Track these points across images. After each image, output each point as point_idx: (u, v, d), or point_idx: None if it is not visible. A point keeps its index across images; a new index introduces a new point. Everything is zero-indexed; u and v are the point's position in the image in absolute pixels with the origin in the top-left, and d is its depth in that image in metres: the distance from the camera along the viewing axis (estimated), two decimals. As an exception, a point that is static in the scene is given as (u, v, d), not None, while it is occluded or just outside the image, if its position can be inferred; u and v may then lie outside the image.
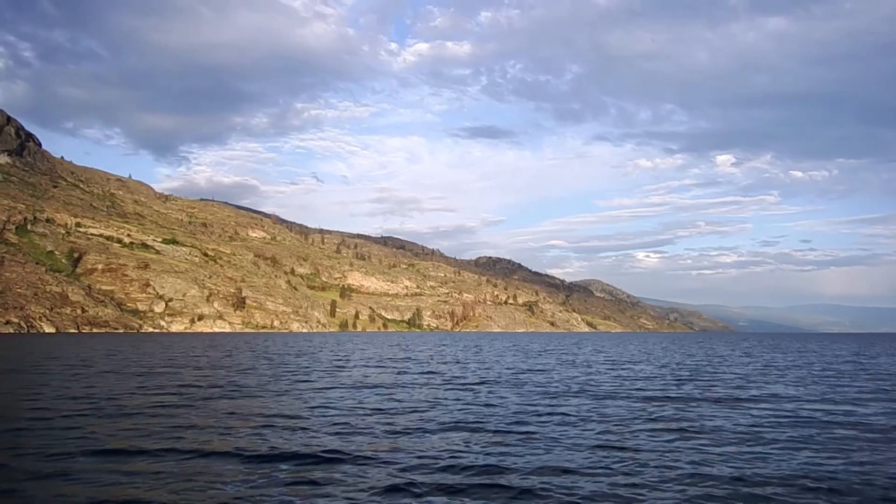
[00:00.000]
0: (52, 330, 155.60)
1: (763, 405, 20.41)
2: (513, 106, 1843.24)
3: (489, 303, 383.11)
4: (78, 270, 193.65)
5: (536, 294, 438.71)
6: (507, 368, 37.20)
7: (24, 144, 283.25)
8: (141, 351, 58.18)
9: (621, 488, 10.35)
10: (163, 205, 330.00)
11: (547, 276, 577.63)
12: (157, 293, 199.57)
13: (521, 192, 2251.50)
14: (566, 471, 11.43)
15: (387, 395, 22.48)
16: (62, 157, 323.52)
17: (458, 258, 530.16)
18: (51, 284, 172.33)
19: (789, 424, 16.46)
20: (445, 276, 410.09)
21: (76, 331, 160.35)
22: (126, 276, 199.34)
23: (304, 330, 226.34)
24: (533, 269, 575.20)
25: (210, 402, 20.45)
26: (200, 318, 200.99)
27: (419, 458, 12.30)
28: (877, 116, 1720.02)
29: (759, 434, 15.02)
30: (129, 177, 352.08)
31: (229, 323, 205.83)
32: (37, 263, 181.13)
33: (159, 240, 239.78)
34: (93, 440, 13.56)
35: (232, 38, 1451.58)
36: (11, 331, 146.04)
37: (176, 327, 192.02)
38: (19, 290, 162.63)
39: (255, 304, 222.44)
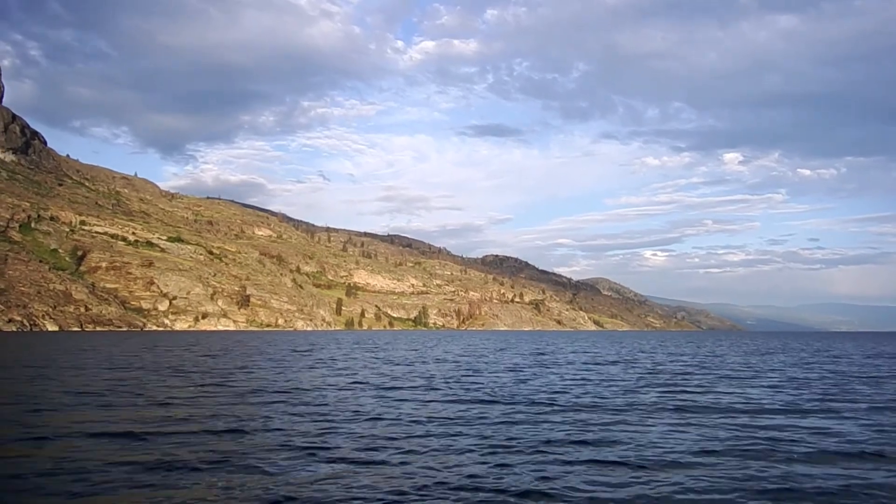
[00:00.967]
0: (55, 328, 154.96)
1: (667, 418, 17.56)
2: (520, 104, 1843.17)
3: (496, 301, 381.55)
4: (81, 268, 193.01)
5: (543, 292, 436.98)
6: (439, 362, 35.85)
7: (30, 142, 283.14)
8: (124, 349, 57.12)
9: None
10: (168, 203, 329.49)
11: (554, 274, 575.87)
12: (161, 291, 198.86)
13: (528, 191, 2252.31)
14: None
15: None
16: (68, 156, 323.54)
17: (464, 256, 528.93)
18: (54, 282, 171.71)
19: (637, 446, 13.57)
20: (452, 274, 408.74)
21: (79, 329, 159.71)
22: (130, 273, 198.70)
23: (309, 328, 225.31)
24: (540, 268, 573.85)
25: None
26: (204, 316, 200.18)
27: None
28: (887, 116, 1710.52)
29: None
30: (135, 175, 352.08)
31: (233, 321, 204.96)
32: (40, 261, 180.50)
33: (164, 238, 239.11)
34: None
35: (239, 37, 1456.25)
36: (14, 329, 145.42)
37: (180, 325, 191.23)
38: (22, 289, 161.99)
39: (259, 302, 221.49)
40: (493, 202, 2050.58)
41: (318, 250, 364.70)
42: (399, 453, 12.38)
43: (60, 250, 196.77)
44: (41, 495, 9.55)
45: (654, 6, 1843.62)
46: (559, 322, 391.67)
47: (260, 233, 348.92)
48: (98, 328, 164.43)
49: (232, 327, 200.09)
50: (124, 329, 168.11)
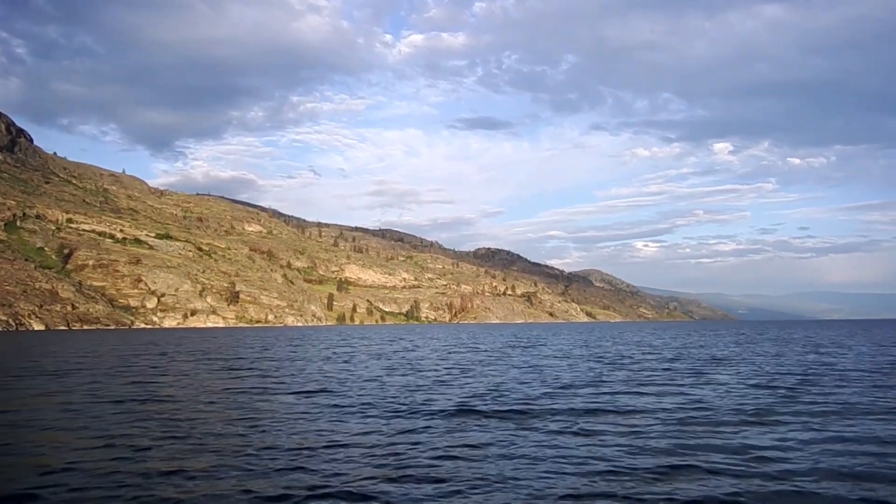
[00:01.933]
0: (42, 327, 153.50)
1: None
2: (509, 97, 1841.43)
3: (487, 294, 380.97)
4: (68, 267, 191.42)
5: (535, 285, 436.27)
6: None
7: (16, 140, 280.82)
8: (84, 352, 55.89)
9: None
10: (157, 200, 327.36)
11: (546, 266, 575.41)
12: (150, 289, 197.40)
13: (519, 184, 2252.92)
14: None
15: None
16: (55, 153, 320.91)
17: (456, 250, 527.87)
18: (40, 281, 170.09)
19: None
20: (444, 267, 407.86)
21: (66, 328, 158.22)
22: (118, 271, 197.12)
23: (299, 324, 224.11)
24: (532, 260, 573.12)
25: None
26: (193, 313, 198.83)
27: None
28: (875, 104, 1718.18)
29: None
30: (123, 172, 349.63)
31: (223, 318, 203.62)
32: (26, 260, 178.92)
33: (152, 235, 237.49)
34: None
35: (227, 32, 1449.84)
36: (0, 328, 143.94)
37: (168, 323, 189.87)
38: (8, 288, 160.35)
39: (249, 298, 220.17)
40: (485, 195, 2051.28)
41: (309, 246, 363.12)
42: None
43: (46, 249, 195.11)
44: None
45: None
46: (551, 314, 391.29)
47: (250, 229, 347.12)
48: (85, 327, 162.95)
49: (221, 324, 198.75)
50: (112, 327, 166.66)
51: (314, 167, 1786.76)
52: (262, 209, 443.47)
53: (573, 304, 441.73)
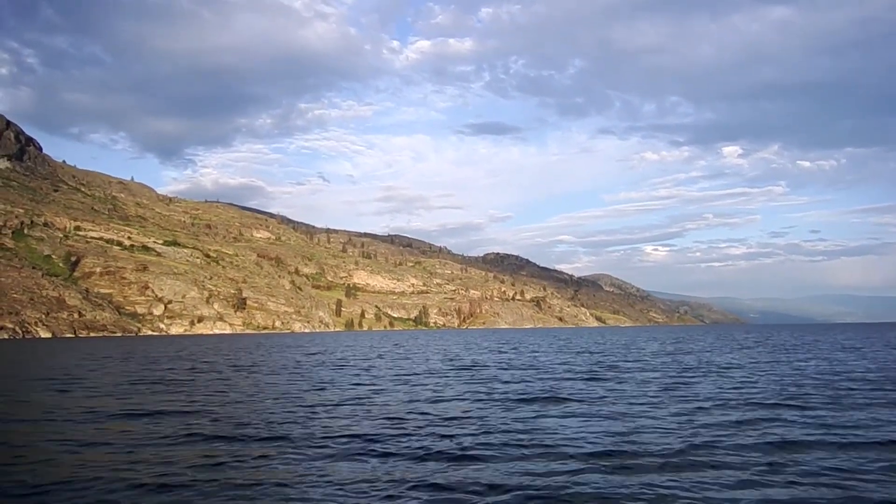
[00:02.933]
0: (48, 335, 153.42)
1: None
2: (516, 102, 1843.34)
3: (496, 299, 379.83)
4: (76, 274, 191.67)
5: (544, 289, 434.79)
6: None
7: (25, 149, 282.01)
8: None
9: None
10: (166, 207, 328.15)
11: (555, 271, 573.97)
12: (157, 295, 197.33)
13: (527, 188, 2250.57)
14: None
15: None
16: (63, 161, 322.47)
17: (465, 255, 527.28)
18: (47, 289, 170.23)
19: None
20: (452, 273, 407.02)
21: (73, 335, 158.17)
22: (125, 278, 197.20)
23: (307, 330, 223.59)
24: (541, 265, 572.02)
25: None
26: (200, 319, 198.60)
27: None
28: (886, 106, 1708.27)
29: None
30: (132, 179, 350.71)
31: (230, 324, 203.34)
32: (33, 268, 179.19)
33: (160, 242, 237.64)
34: None
35: (234, 40, 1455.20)
36: (6, 336, 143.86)
37: (175, 330, 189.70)
38: (15, 296, 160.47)
39: (256, 304, 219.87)
40: (493, 200, 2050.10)
41: (317, 252, 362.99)
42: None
43: (54, 256, 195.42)
44: None
45: (646, 1, 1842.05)
46: (561, 319, 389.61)
47: (258, 235, 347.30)
48: (92, 334, 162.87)
49: (228, 331, 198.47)
50: (118, 335, 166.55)
51: (323, 173, 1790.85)
52: (271, 216, 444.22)
53: (583, 308, 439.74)
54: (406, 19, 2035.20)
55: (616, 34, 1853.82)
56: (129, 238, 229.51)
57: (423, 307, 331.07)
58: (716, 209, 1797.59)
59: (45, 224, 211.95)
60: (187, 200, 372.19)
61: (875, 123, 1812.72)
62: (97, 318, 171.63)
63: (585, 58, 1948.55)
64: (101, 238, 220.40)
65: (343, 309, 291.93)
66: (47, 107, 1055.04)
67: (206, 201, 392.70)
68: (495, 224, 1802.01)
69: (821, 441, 12.65)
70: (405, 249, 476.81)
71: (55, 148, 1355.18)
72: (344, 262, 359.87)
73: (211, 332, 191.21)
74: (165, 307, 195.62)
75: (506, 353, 52.26)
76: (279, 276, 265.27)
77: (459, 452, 12.00)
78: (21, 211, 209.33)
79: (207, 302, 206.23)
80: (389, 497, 9.32)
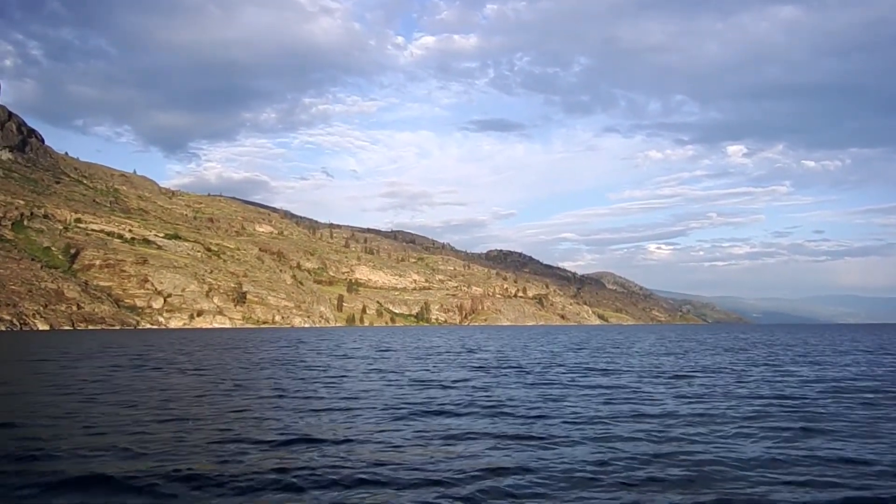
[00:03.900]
0: (46, 327, 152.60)
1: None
2: (521, 99, 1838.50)
3: (498, 296, 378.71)
4: (75, 266, 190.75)
5: (547, 287, 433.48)
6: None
7: (27, 140, 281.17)
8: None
9: None
10: (168, 200, 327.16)
11: (558, 268, 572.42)
12: (156, 289, 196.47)
13: (531, 186, 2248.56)
14: None
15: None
16: (66, 153, 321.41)
17: (468, 252, 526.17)
18: (46, 281, 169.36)
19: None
20: (455, 269, 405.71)
21: (71, 328, 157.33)
22: (124, 271, 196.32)
23: (307, 325, 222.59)
24: (544, 262, 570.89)
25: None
26: (200, 313, 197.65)
27: None
28: (891, 106, 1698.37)
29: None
30: (134, 172, 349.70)
31: (229, 318, 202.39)
32: (32, 259, 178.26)
33: (161, 235, 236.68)
34: None
35: (239, 34, 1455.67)
36: (3, 328, 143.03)
37: (174, 323, 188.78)
38: (13, 287, 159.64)
39: (256, 299, 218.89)
40: (497, 197, 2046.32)
41: (319, 247, 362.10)
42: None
43: (53, 248, 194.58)
44: None
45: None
46: (563, 317, 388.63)
47: (261, 229, 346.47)
48: (90, 327, 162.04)
49: (227, 325, 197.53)
50: (117, 328, 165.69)
51: (327, 169, 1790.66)
52: (275, 210, 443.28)
53: (585, 306, 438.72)
54: (411, 15, 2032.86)
55: (622, 32, 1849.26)
56: (129, 231, 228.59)
57: (425, 303, 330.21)
58: (720, 208, 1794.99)
59: (46, 216, 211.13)
60: (190, 194, 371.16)
61: (880, 124, 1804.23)
62: (96, 310, 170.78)
63: (591, 56, 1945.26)
64: (101, 231, 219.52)
65: (344, 304, 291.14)
66: (52, 99, 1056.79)
67: (209, 195, 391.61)
68: (499, 221, 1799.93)
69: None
70: (408, 245, 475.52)
71: (60, 140, 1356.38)
72: (346, 257, 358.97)
73: (210, 326, 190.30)
74: (165, 300, 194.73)
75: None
76: (280, 271, 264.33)
77: None
78: (21, 202, 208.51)
79: (207, 296, 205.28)
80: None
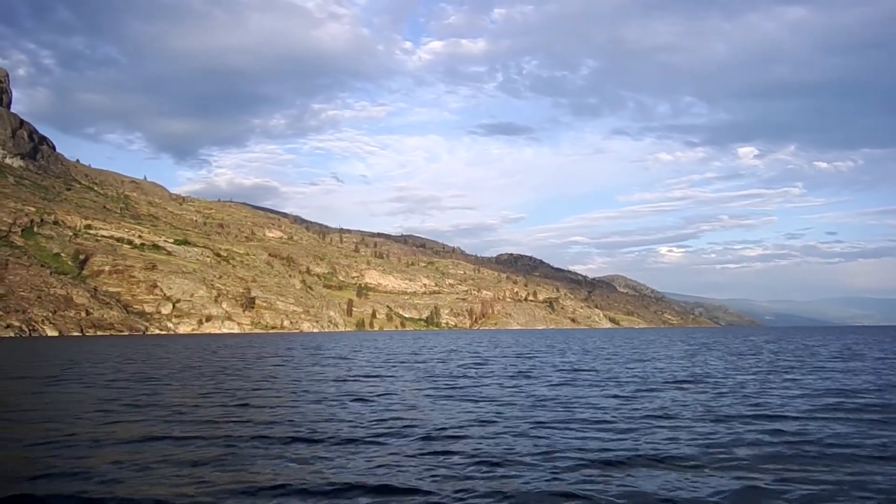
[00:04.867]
0: (55, 333, 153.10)
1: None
2: (529, 102, 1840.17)
3: (509, 300, 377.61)
4: (84, 272, 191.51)
5: (557, 290, 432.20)
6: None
7: (38, 148, 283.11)
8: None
9: None
10: (178, 206, 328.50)
11: (569, 272, 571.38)
12: (165, 294, 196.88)
13: (540, 189, 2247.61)
14: None
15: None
16: (77, 161, 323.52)
17: (478, 256, 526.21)
18: (55, 287, 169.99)
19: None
20: (465, 273, 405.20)
21: (80, 334, 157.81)
22: (133, 277, 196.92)
23: (316, 330, 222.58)
24: (555, 266, 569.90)
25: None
26: (208, 319, 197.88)
27: None
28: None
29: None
30: (145, 178, 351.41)
31: (238, 324, 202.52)
32: (42, 266, 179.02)
33: (171, 241, 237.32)
34: None
35: (247, 41, 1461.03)
36: (12, 335, 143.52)
37: (183, 329, 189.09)
38: (22, 293, 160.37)
39: (264, 304, 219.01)
40: (506, 201, 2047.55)
41: (329, 251, 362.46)
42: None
43: (63, 254, 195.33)
44: None
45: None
46: (573, 320, 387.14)
47: (270, 235, 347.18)
48: (99, 332, 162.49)
49: (236, 330, 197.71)
50: (126, 333, 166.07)
51: (336, 174, 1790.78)
52: (285, 216, 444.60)
53: (596, 310, 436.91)
54: (419, 20, 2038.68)
55: (629, 33, 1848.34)
56: (139, 237, 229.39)
57: (435, 307, 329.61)
58: (731, 210, 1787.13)
59: (56, 222, 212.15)
60: (200, 200, 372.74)
61: (893, 123, 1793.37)
62: (104, 316, 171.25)
63: (598, 58, 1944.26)
64: (111, 237, 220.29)
65: (354, 309, 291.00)
66: (64, 107, 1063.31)
67: (219, 201, 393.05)
68: (508, 225, 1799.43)
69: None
70: (418, 249, 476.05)
71: (73, 148, 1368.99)
72: (356, 261, 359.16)
73: (219, 332, 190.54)
74: (174, 306, 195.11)
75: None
76: (290, 276, 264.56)
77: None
78: (32, 209, 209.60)
79: (216, 301, 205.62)
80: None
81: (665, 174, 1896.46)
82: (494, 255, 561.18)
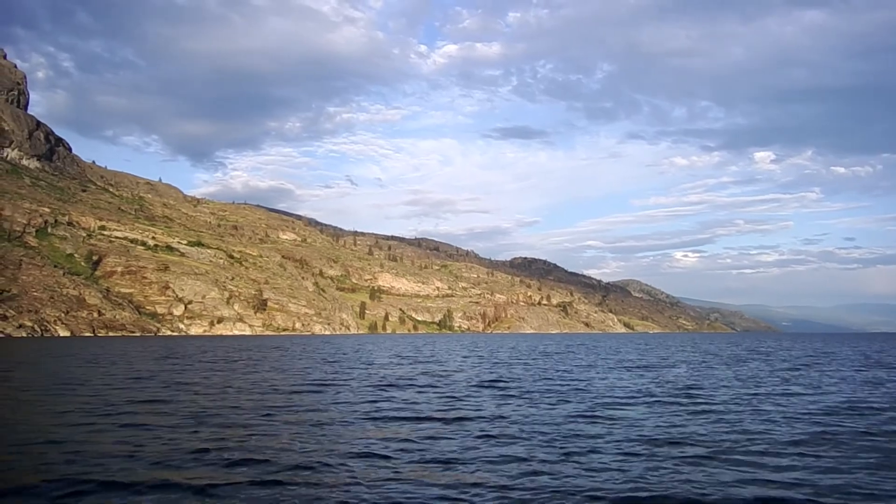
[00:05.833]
0: (67, 333, 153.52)
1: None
2: (544, 106, 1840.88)
3: (522, 304, 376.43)
4: (97, 273, 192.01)
5: (571, 294, 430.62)
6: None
7: (54, 149, 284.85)
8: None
9: None
10: (192, 208, 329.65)
11: (583, 276, 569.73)
12: (177, 295, 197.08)
13: (555, 193, 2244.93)
14: None
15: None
16: (93, 162, 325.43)
17: (492, 259, 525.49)
18: (68, 287, 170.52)
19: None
20: (478, 277, 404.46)
21: (91, 334, 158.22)
22: (146, 278, 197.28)
23: (327, 332, 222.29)
24: (569, 270, 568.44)
25: None
26: (220, 320, 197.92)
27: None
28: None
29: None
30: (160, 180, 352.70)
31: (249, 325, 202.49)
32: (55, 266, 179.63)
33: (184, 242, 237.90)
34: None
35: (263, 44, 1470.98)
36: (24, 334, 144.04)
37: (195, 330, 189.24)
38: (35, 294, 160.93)
39: (276, 306, 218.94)
40: (520, 204, 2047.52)
41: (342, 254, 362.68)
42: None
43: (76, 255, 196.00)
44: None
45: (674, 3, 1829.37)
46: (587, 324, 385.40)
47: (284, 237, 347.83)
48: (111, 333, 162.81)
49: (248, 332, 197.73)
50: (137, 334, 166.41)
51: (351, 177, 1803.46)
52: (299, 218, 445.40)
53: (610, 314, 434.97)
54: (433, 24, 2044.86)
55: (644, 37, 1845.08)
56: (153, 238, 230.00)
57: (448, 311, 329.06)
58: (747, 215, 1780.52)
59: (70, 223, 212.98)
60: (214, 202, 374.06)
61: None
62: (116, 317, 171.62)
63: (613, 61, 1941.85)
64: (125, 238, 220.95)
65: (367, 311, 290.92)
66: (82, 110, 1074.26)
67: (234, 203, 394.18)
68: (523, 228, 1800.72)
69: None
70: (432, 253, 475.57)
71: (91, 150, 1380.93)
72: (369, 264, 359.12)
73: (231, 333, 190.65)
74: (185, 307, 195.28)
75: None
76: (302, 278, 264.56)
77: None
78: (47, 210, 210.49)
79: (228, 303, 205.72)
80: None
81: (681, 178, 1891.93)
82: (508, 259, 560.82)
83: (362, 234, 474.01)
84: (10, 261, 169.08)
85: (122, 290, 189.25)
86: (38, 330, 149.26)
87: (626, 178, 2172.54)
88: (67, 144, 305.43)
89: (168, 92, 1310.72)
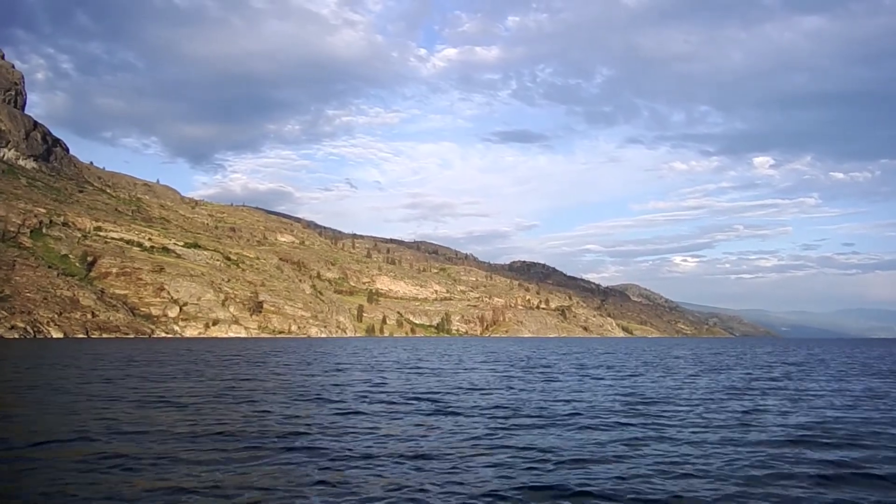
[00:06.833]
0: (60, 335, 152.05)
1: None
2: (544, 110, 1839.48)
3: (520, 307, 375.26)
4: (92, 274, 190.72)
5: (570, 298, 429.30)
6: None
7: (51, 150, 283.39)
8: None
9: None
10: (190, 210, 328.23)
11: (582, 280, 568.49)
12: (172, 297, 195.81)
13: (554, 197, 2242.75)
14: None
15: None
16: (91, 163, 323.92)
17: (491, 263, 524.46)
18: (61, 288, 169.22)
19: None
20: (476, 280, 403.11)
21: (85, 336, 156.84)
22: (140, 280, 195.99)
23: (323, 335, 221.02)
24: (568, 274, 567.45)
25: None
26: (215, 322, 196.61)
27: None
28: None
29: None
30: (157, 182, 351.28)
31: (245, 328, 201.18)
32: (49, 267, 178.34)
33: (181, 244, 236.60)
34: None
35: (263, 47, 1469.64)
36: (16, 336, 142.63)
37: (190, 332, 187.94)
38: (28, 295, 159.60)
39: (272, 308, 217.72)
40: (520, 208, 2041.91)
41: (340, 256, 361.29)
42: None
43: (71, 256, 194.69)
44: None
45: (674, 8, 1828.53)
46: (586, 329, 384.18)
47: (282, 239, 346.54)
48: (104, 335, 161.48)
49: (243, 334, 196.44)
50: (131, 336, 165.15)
51: (350, 180, 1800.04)
52: (298, 220, 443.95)
53: (609, 318, 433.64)
54: (433, 27, 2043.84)
55: (644, 42, 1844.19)
56: (149, 239, 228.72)
57: (446, 314, 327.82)
58: (746, 220, 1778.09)
59: (65, 224, 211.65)
60: (213, 204, 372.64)
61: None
62: (110, 319, 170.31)
63: (613, 66, 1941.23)
64: (121, 239, 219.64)
65: (365, 314, 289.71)
66: (82, 111, 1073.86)
67: (232, 205, 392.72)
68: (522, 232, 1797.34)
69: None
70: (431, 256, 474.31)
71: (89, 152, 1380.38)
72: (367, 267, 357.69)
73: (226, 336, 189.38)
74: (181, 309, 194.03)
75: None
76: (299, 281, 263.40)
77: None
78: (42, 210, 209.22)
79: (223, 305, 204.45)
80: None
81: (680, 183, 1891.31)
82: (507, 263, 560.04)
83: (361, 236, 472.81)
84: (3, 261, 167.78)
85: (117, 291, 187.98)
86: (31, 331, 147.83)
87: (625, 182, 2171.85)
88: (65, 145, 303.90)
89: (167, 94, 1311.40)
